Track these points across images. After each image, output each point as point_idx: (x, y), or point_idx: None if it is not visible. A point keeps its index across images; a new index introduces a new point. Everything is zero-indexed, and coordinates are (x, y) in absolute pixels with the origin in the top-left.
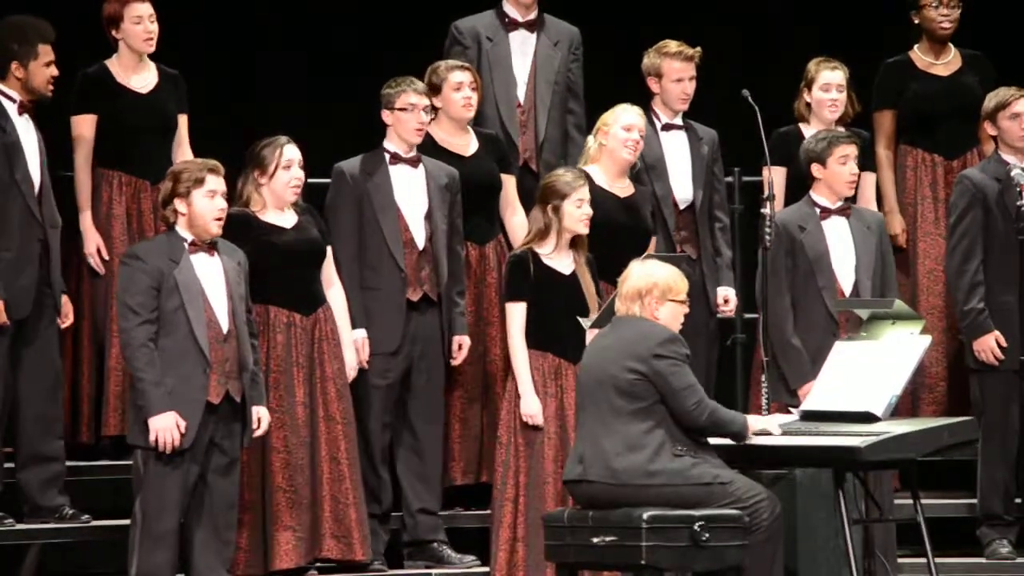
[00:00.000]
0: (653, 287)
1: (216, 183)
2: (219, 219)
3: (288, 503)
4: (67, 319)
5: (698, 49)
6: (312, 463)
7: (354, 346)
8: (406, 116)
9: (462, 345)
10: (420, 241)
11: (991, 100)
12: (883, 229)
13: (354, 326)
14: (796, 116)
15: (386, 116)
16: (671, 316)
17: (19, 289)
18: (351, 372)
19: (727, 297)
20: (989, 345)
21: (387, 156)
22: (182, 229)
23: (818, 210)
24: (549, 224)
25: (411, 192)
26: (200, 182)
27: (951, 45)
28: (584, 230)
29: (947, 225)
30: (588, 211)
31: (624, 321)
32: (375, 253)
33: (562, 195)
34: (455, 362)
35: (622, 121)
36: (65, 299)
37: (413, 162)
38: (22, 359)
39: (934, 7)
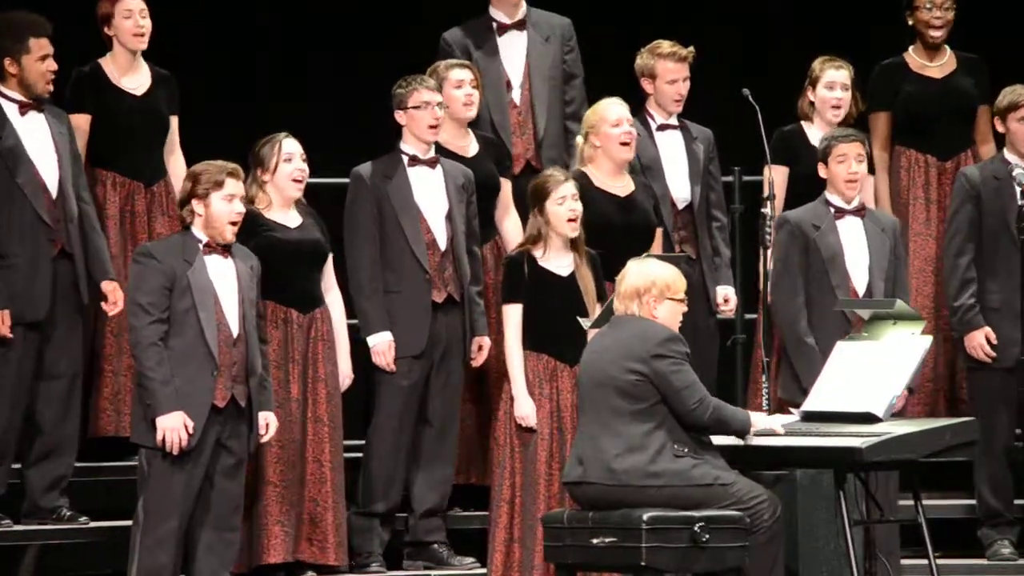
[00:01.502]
0: (651, 286)
1: (235, 187)
2: (235, 223)
3: (279, 498)
4: (115, 306)
5: (691, 49)
6: (301, 461)
7: (378, 350)
8: (420, 114)
9: (483, 346)
10: (442, 242)
11: (1004, 98)
12: (897, 233)
13: (376, 330)
14: (799, 115)
15: (399, 116)
16: (670, 315)
17: (33, 293)
18: (345, 381)
19: (727, 296)
20: (979, 341)
21: (405, 158)
22: (197, 230)
23: (832, 210)
24: (540, 227)
25: (431, 193)
26: (219, 185)
27: (946, 47)
28: (571, 232)
29: (939, 225)
30: (573, 207)
31: (622, 321)
32: (397, 256)
33: (544, 195)
34: (476, 363)
35: (609, 119)
36: (114, 286)
37: (431, 163)
38: (44, 359)
39: (927, 9)
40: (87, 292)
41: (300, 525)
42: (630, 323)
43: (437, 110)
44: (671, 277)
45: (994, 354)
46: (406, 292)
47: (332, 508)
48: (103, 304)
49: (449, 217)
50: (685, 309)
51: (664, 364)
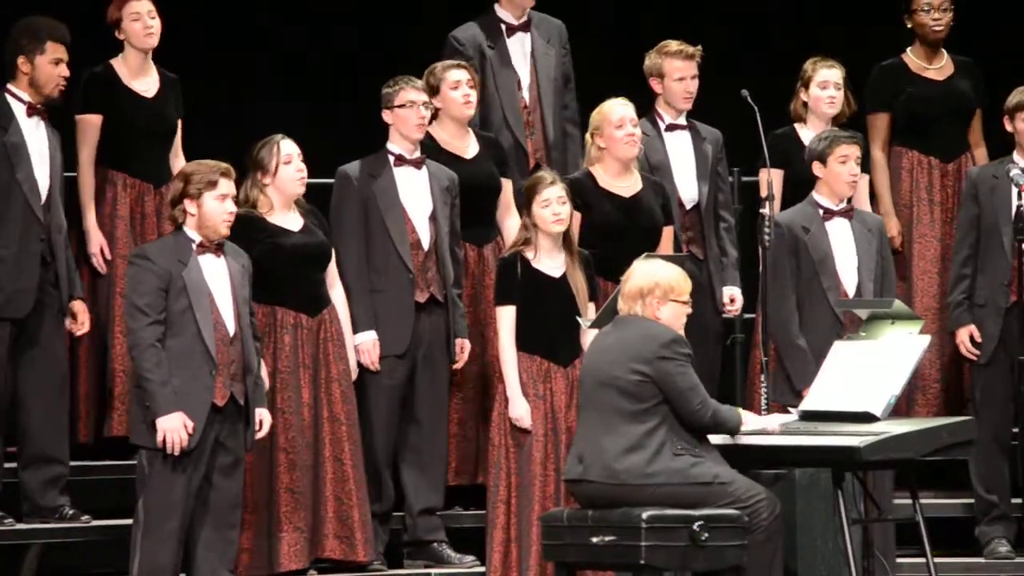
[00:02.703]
0: (655, 287)
1: (227, 186)
2: (228, 222)
3: (294, 504)
4: (82, 326)
5: (699, 47)
6: (316, 464)
7: (363, 349)
8: (405, 112)
9: (464, 348)
10: (426, 242)
11: (1013, 98)
12: (883, 232)
13: (361, 328)
14: (792, 117)
15: (386, 115)
16: (672, 316)
17: (18, 288)
18: (351, 375)
19: (733, 296)
20: (961, 339)
21: (391, 158)
22: (190, 230)
23: (821, 211)
24: (529, 228)
25: (416, 193)
26: (212, 184)
27: (943, 50)
28: (557, 230)
29: (943, 226)
30: (558, 210)
31: (626, 321)
32: (381, 255)
33: (530, 198)
34: (457, 365)
35: (612, 119)
36: (82, 306)
37: (417, 164)
38: (26, 359)
39: (926, 11)
40: (65, 302)
41: (325, 525)
42: (633, 324)
43: (422, 110)
44: (676, 279)
45: (978, 352)
46: (390, 291)
47: (357, 505)
48: (70, 323)
49: (433, 218)
50: (689, 311)
51: (670, 366)
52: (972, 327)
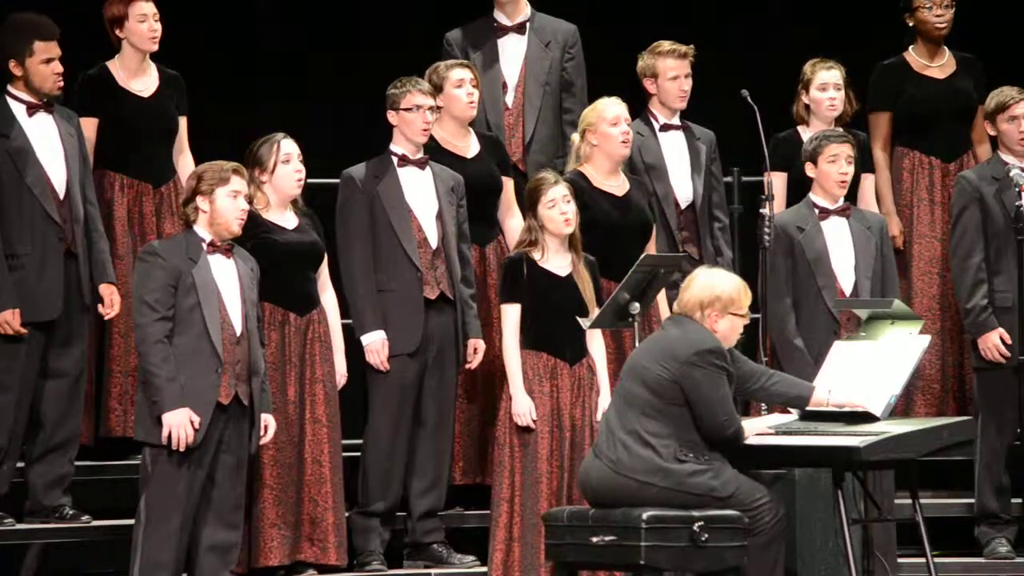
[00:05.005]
0: (715, 300)
1: (240, 184)
2: (240, 219)
3: (275, 500)
4: (112, 309)
5: (691, 46)
6: (298, 462)
7: (371, 349)
8: (411, 116)
9: (477, 348)
10: (433, 240)
11: (992, 100)
12: (884, 231)
13: (370, 329)
14: (795, 119)
15: (391, 117)
16: (729, 329)
17: (43, 291)
18: (340, 380)
19: None
20: (993, 342)
21: (395, 159)
22: (201, 229)
23: (817, 211)
24: (534, 229)
25: (421, 193)
26: (224, 181)
27: (945, 47)
28: (567, 230)
29: (944, 226)
30: (565, 209)
31: (680, 321)
32: (389, 254)
33: (535, 200)
34: (471, 366)
35: (607, 117)
36: (112, 289)
37: (421, 164)
38: (49, 357)
39: (928, 8)
40: (89, 293)
41: (300, 526)
42: (685, 325)
43: (428, 114)
44: (736, 291)
45: (1008, 354)
46: (399, 290)
47: (332, 508)
48: (99, 307)
49: (439, 217)
50: (746, 322)
51: (697, 372)
52: (1001, 330)
